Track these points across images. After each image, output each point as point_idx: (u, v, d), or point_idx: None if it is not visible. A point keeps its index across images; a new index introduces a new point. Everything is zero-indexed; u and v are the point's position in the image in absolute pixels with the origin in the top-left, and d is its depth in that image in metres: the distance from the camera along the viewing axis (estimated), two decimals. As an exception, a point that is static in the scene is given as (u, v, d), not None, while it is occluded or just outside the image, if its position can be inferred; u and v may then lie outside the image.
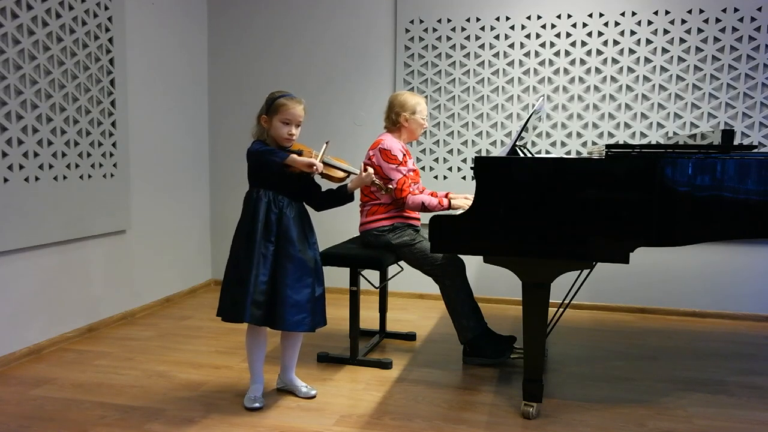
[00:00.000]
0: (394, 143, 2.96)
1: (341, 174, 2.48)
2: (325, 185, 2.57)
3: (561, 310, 2.89)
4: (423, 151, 4.16)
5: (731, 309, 3.86)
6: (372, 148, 2.98)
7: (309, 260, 2.40)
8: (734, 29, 3.68)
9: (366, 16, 4.20)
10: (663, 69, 3.80)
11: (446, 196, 2.99)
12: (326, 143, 2.43)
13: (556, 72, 3.92)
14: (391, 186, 2.63)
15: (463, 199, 2.96)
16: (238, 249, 2.36)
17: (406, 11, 4.10)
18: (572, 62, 3.90)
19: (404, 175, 2.91)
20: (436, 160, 4.15)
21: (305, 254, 2.39)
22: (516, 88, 3.98)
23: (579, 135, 3.94)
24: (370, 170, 2.56)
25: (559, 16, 3.88)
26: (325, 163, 2.43)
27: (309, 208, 2.51)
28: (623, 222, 2.19)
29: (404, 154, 2.96)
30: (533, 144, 4.00)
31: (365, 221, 3.02)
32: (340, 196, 2.54)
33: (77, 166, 3.22)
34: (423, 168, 4.16)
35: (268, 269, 2.31)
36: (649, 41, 3.80)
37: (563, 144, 3.96)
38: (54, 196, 3.07)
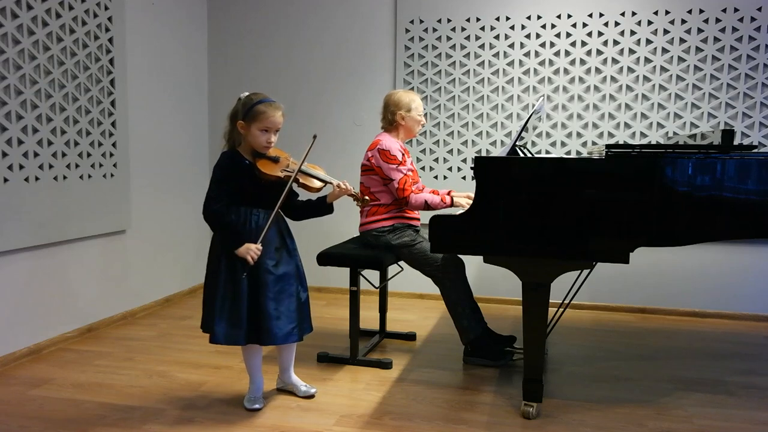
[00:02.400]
0: (392, 143, 2.95)
1: (319, 184, 2.38)
2: (303, 195, 2.50)
3: (561, 310, 2.89)
4: (423, 151, 4.16)
5: (731, 309, 3.86)
6: (370, 149, 2.98)
7: (290, 269, 2.35)
8: (734, 29, 3.68)
9: (366, 16, 4.20)
10: (663, 69, 3.80)
11: (448, 193, 2.99)
12: (314, 138, 2.29)
13: (556, 72, 3.92)
14: (367, 198, 2.57)
15: (465, 197, 2.96)
16: (213, 270, 2.30)
17: (406, 11, 4.10)
18: (572, 62, 3.90)
19: (405, 175, 2.91)
20: (436, 160, 4.15)
21: (286, 265, 2.34)
22: (516, 88, 3.99)
23: (579, 135, 3.94)
24: (347, 182, 2.44)
25: (559, 16, 3.89)
26: (303, 172, 2.35)
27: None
28: (623, 222, 2.19)
29: (403, 154, 2.96)
30: (533, 144, 4.00)
31: (365, 222, 3.02)
32: (319, 208, 2.46)
33: (77, 166, 3.22)
34: (423, 168, 4.16)
35: (247, 287, 2.26)
36: (649, 41, 3.80)
37: (563, 144, 3.96)
38: (54, 196, 3.07)
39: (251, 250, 2.22)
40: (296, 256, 2.41)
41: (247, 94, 2.30)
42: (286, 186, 2.28)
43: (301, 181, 2.34)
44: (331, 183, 2.41)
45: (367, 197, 2.56)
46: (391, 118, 3.02)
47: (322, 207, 2.47)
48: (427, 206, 2.90)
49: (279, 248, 2.34)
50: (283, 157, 2.35)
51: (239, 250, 2.22)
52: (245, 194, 2.29)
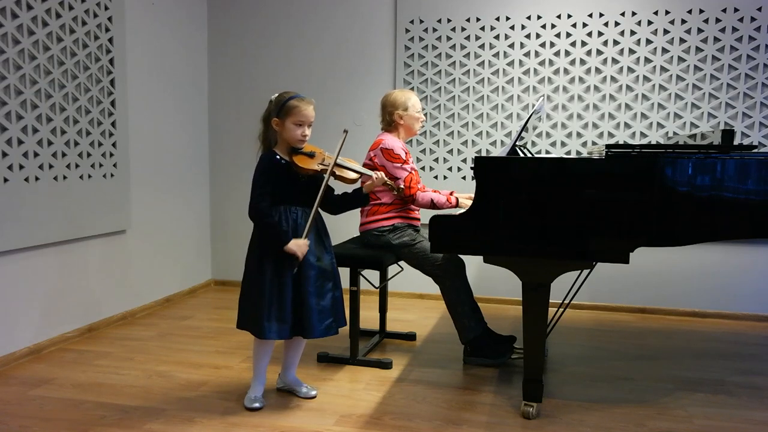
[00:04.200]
0: (395, 142, 2.96)
1: (354, 175, 2.47)
2: (338, 187, 2.54)
3: (561, 310, 2.89)
4: (423, 151, 4.16)
5: (731, 309, 3.86)
6: (372, 148, 2.98)
7: (327, 265, 2.41)
8: (734, 29, 3.68)
9: (366, 16, 4.20)
10: (663, 69, 3.80)
11: (451, 194, 2.99)
12: (345, 132, 2.39)
13: (556, 72, 3.92)
14: (402, 186, 2.65)
15: (467, 199, 2.97)
16: (253, 270, 2.34)
17: (406, 11, 4.10)
18: (572, 62, 3.90)
19: (410, 173, 2.91)
20: (436, 160, 4.15)
21: (324, 260, 2.40)
22: (516, 88, 3.98)
23: (579, 135, 3.94)
24: (380, 172, 2.55)
25: (559, 16, 3.89)
26: (338, 165, 2.42)
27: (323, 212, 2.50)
28: (623, 222, 2.19)
29: (405, 153, 2.96)
30: (533, 144, 4.00)
31: (365, 221, 3.02)
32: (356, 199, 2.54)
33: (77, 166, 3.22)
34: (423, 168, 4.16)
35: (289, 284, 2.31)
36: (649, 41, 3.80)
37: (563, 144, 3.96)
38: (54, 196, 3.07)
39: (300, 246, 2.29)
40: (332, 254, 2.47)
41: (277, 94, 2.38)
42: (325, 179, 2.34)
43: (337, 173, 2.41)
44: (366, 173, 2.51)
45: (402, 185, 2.67)
46: (390, 119, 3.03)
47: (358, 198, 2.54)
48: (432, 205, 2.90)
49: (318, 245, 2.40)
50: (318, 152, 2.41)
51: (288, 247, 2.28)
52: (284, 192, 2.34)
